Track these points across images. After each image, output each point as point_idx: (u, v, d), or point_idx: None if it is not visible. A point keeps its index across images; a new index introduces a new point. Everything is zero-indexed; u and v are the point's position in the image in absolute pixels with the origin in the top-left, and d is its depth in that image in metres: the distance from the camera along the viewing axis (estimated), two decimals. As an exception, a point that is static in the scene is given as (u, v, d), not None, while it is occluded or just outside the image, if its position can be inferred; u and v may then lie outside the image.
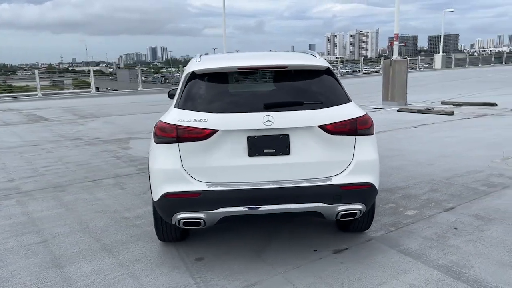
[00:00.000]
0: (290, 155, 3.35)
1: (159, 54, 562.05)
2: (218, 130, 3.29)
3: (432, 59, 42.75)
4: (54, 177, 6.49)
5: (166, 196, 3.34)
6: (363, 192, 3.42)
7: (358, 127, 3.42)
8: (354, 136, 3.42)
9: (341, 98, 3.52)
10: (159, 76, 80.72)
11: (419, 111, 12.73)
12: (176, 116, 3.38)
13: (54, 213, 4.93)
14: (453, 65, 38.92)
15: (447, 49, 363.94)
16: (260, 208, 3.31)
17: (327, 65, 3.70)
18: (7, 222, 4.69)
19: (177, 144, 3.34)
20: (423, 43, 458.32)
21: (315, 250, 3.78)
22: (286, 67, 3.59)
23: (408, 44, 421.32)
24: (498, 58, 47.75)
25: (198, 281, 3.32)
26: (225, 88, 3.60)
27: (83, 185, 6.05)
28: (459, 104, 14.11)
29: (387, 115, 12.42)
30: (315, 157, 3.36)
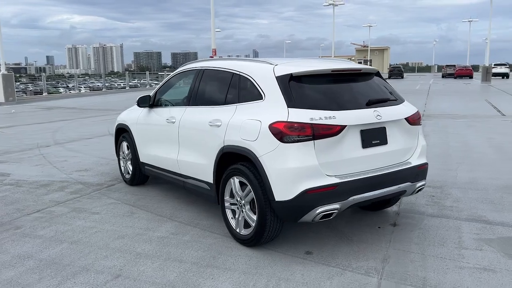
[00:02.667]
0: (387, 145, 3.94)
1: None
2: (346, 125, 3.62)
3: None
4: (-29, 216, 4.97)
5: (308, 192, 3.46)
6: (425, 170, 4.29)
7: (420, 119, 4.28)
8: (418, 126, 4.26)
9: (400, 96, 4.31)
10: None
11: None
12: (306, 115, 3.53)
13: (61, 249, 4.00)
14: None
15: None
16: (377, 192, 3.80)
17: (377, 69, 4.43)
18: (18, 269, 3.60)
19: (312, 141, 3.50)
20: (166, 59, 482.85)
21: (379, 227, 4.43)
22: (360, 70, 4.16)
23: (153, 60, 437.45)
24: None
25: (342, 267, 3.56)
26: (327, 88, 3.89)
27: (33, 217, 4.90)
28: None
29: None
30: (401, 144, 4.06)
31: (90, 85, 51.58)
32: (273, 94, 3.78)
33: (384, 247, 3.93)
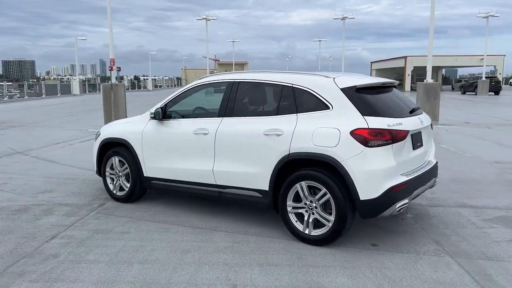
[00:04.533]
0: (423, 146, 4.68)
1: None
2: (409, 131, 4.23)
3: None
4: (-25, 250, 4.24)
5: (392, 190, 3.97)
6: (437, 167, 5.15)
7: (432, 124, 5.13)
8: (432, 130, 5.11)
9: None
10: None
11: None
12: (383, 122, 4.05)
13: (139, 270, 3.79)
14: (87, 91, 40.71)
15: (25, 74, 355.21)
16: (424, 187, 4.50)
17: None
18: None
19: (391, 145, 4.03)
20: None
21: (402, 219, 5.14)
22: (393, 83, 4.84)
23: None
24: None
25: (414, 253, 4.13)
26: (381, 98, 4.44)
27: (58, 244, 4.42)
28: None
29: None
30: (427, 146, 4.84)
31: None
32: (342, 104, 4.19)
33: (425, 234, 4.63)
